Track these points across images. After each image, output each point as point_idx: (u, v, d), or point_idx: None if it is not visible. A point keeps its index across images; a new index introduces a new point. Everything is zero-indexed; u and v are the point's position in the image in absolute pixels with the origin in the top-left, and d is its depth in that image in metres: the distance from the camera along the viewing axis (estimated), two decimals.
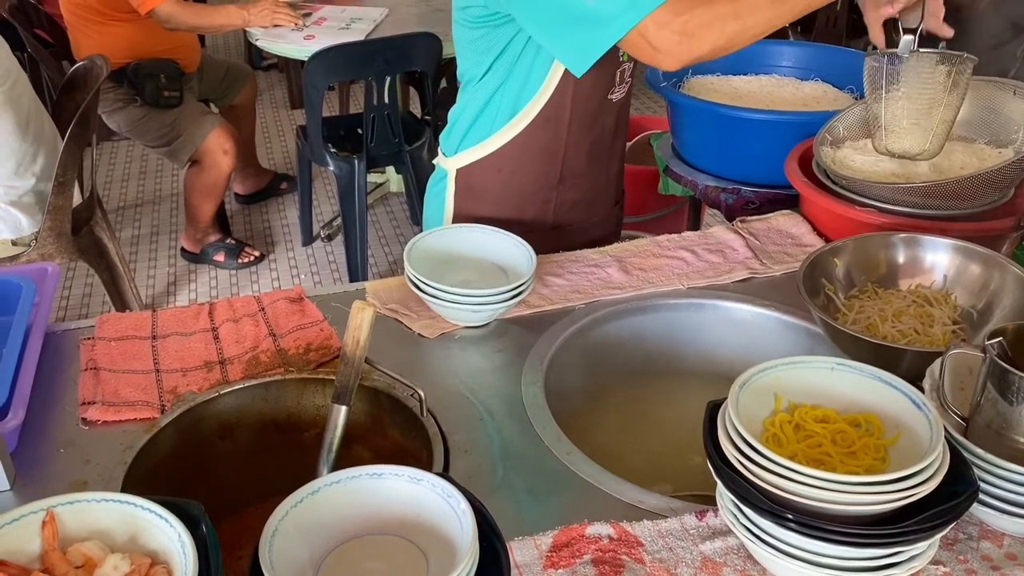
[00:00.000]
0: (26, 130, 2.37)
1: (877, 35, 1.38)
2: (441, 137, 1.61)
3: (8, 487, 0.99)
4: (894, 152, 1.43)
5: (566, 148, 1.51)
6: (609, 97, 1.50)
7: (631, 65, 1.51)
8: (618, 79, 1.49)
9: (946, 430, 0.84)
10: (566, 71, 1.39)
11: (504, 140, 1.49)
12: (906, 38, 1.36)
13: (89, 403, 1.11)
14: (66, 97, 2.73)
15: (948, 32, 1.35)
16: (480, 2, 1.37)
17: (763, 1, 1.22)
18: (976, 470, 0.84)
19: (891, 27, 1.37)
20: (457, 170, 1.56)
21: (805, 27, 4.91)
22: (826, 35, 4.44)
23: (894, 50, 1.38)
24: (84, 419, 1.09)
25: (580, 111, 1.47)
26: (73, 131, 2.38)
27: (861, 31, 4.33)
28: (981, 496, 0.87)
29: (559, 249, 1.46)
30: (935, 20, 1.34)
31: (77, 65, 2.75)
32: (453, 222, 1.58)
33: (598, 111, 1.50)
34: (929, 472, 0.78)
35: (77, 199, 2.57)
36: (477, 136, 1.51)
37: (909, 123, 1.41)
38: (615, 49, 1.33)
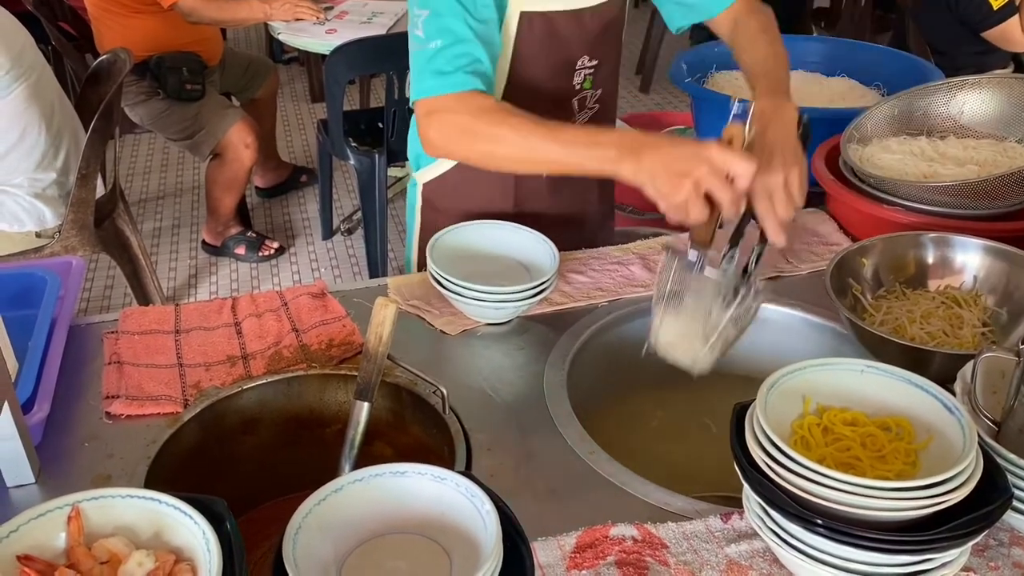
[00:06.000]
0: (50, 123, 2.38)
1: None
2: (408, 149, 1.55)
3: (33, 480, 0.99)
4: (665, 355, 1.10)
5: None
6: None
7: (596, 92, 1.42)
8: (577, 106, 1.42)
9: (978, 435, 0.83)
10: (515, 93, 1.32)
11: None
12: (711, 253, 1.07)
13: (113, 397, 1.11)
14: (89, 90, 2.74)
15: (781, 241, 1.11)
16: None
17: (521, 145, 1.16)
18: (1009, 476, 0.83)
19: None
20: (423, 184, 1.52)
21: (829, 22, 4.85)
22: (851, 30, 4.37)
23: (684, 255, 1.08)
24: (108, 413, 1.09)
25: None
26: (96, 124, 2.39)
27: (887, 26, 4.28)
28: (1013, 502, 0.86)
29: None
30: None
31: (100, 58, 2.76)
32: (421, 234, 1.54)
33: None
34: (962, 478, 0.77)
35: (100, 191, 2.58)
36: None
37: (678, 337, 1.09)
38: (569, 74, 1.31)
